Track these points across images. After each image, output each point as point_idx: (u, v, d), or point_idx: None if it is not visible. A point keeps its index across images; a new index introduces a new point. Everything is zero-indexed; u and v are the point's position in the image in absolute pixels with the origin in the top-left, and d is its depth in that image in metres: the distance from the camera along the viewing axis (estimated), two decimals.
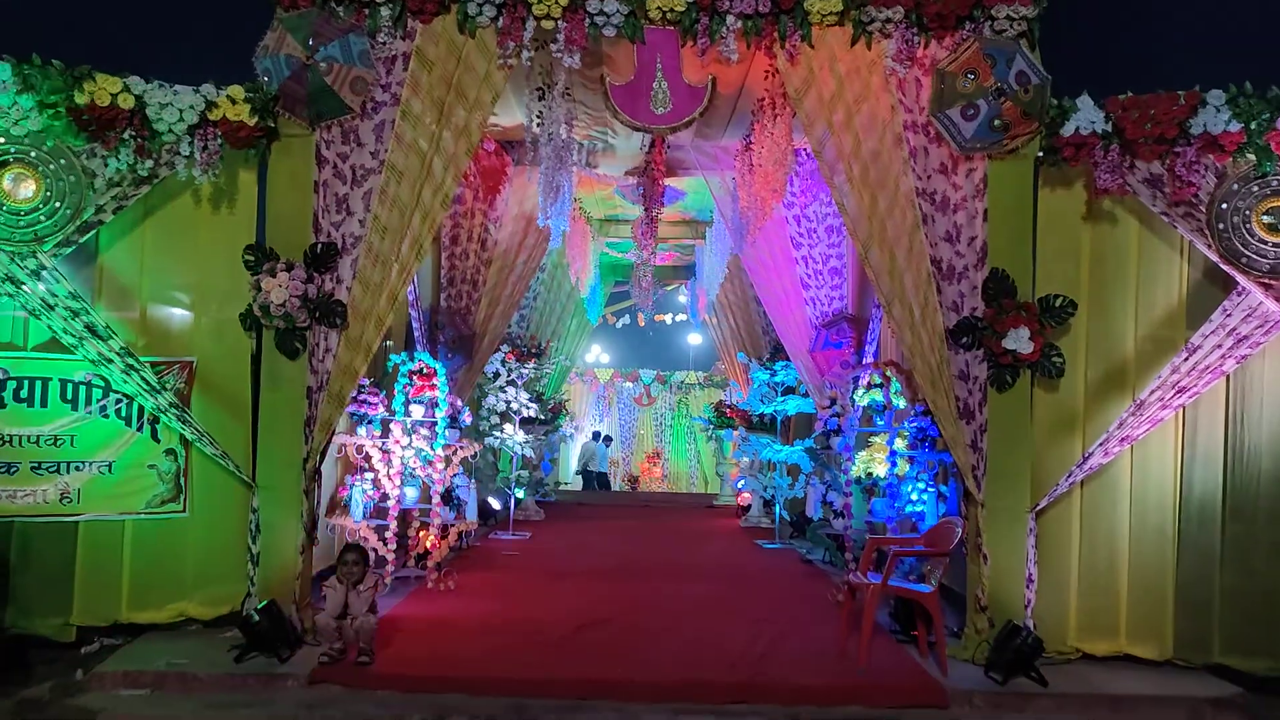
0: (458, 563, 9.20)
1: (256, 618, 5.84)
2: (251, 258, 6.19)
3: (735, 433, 12.73)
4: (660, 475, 23.22)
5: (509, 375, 11.36)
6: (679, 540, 11.86)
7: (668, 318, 21.76)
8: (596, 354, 24.11)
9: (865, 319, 9.78)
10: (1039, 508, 6.24)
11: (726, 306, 14.80)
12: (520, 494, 12.35)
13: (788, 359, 11.20)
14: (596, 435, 20.10)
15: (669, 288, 19.86)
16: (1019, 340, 6.02)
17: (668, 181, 9.99)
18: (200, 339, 6.46)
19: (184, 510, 6.37)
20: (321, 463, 6.50)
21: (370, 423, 7.87)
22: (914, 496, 7.52)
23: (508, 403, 11.24)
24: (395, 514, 7.84)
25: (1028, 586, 6.19)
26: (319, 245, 6.24)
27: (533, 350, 11.88)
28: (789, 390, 11.76)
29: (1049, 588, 6.30)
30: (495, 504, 11.93)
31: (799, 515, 11.78)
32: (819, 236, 10.13)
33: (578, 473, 19.68)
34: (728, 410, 13.69)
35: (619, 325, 21.22)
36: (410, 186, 6.32)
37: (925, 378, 6.33)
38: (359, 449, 7.79)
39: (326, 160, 6.29)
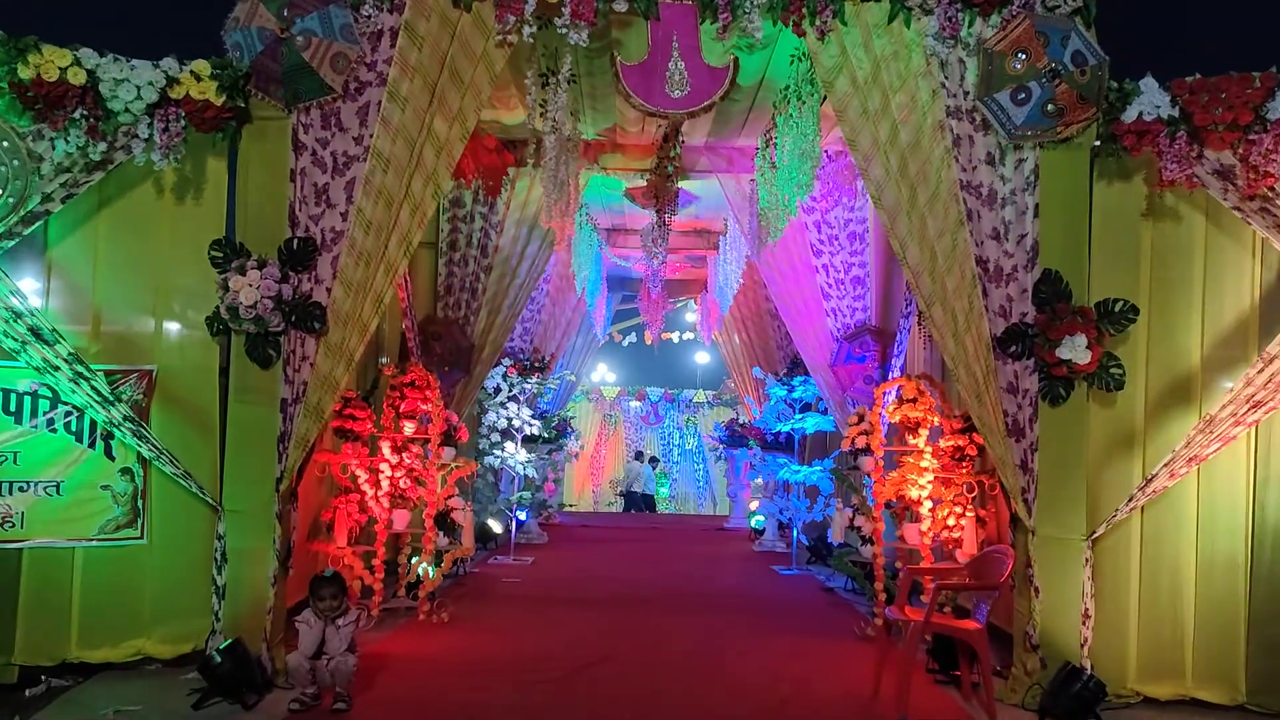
0: (453, 592, 8.54)
1: (218, 658, 5.18)
2: (219, 254, 5.57)
3: (750, 451, 12.06)
4: (668, 496, 22.58)
5: (510, 390, 10.72)
6: (689, 566, 11.18)
7: (675, 336, 21.32)
8: (602, 373, 23.56)
9: (890, 331, 9.14)
10: (1096, 535, 5.56)
11: (739, 320, 14.20)
12: (523, 516, 11.71)
13: (806, 374, 10.55)
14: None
15: (678, 303, 19.36)
16: (1075, 349, 5.37)
17: (680, 184, 9.41)
18: (162, 345, 5.82)
19: (142, 536, 5.71)
20: (299, 483, 5.88)
21: (357, 440, 7.24)
22: (950, 522, 6.85)
23: (509, 419, 10.60)
24: (384, 539, 7.20)
25: (1084, 623, 5.50)
26: (295, 240, 5.62)
27: (536, 364, 11.25)
28: (807, 407, 11.12)
29: (1106, 624, 5.61)
30: (496, 527, 11.27)
31: (817, 540, 11.11)
32: (841, 244, 9.53)
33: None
34: (740, 428, 13.05)
35: (625, 343, 20.78)
36: (398, 176, 5.70)
37: (970, 391, 5.67)
38: (344, 468, 7.15)
39: (304, 146, 5.67)
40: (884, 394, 7.54)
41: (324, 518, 7.12)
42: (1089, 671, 5.31)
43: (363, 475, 7.14)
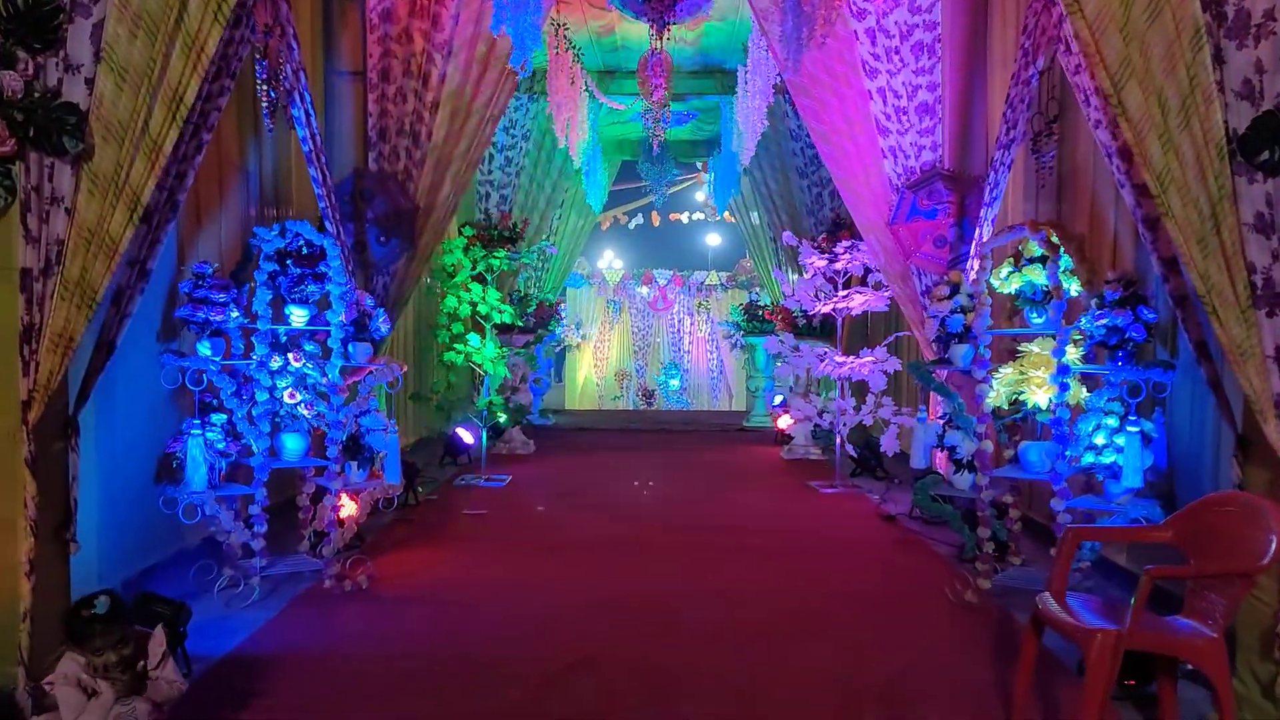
0: (390, 534, 6.41)
1: None
2: None
3: (775, 339, 9.75)
4: (679, 389, 20.54)
5: (473, 267, 8.41)
6: (707, 483, 9.00)
7: (684, 216, 19.21)
8: (609, 259, 21.32)
9: (970, 175, 6.77)
10: None
11: (761, 181, 11.78)
12: (503, 420, 9.51)
13: (853, 238, 8.20)
14: None
15: (686, 182, 17.14)
16: None
17: None
18: None
19: None
20: (80, 408, 3.66)
21: (222, 335, 4.98)
22: (1099, 440, 4.60)
23: (472, 304, 8.31)
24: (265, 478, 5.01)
25: None
26: None
27: (505, 234, 8.87)
28: (851, 281, 8.80)
29: None
30: (468, 437, 9.11)
31: (864, 448, 8.94)
32: (903, 58, 7.03)
33: None
34: (764, 313, 10.76)
35: (632, 226, 18.71)
36: None
37: (1187, 230, 3.33)
38: (199, 378, 4.89)
39: None
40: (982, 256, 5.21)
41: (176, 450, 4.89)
42: None
43: (228, 386, 4.89)
